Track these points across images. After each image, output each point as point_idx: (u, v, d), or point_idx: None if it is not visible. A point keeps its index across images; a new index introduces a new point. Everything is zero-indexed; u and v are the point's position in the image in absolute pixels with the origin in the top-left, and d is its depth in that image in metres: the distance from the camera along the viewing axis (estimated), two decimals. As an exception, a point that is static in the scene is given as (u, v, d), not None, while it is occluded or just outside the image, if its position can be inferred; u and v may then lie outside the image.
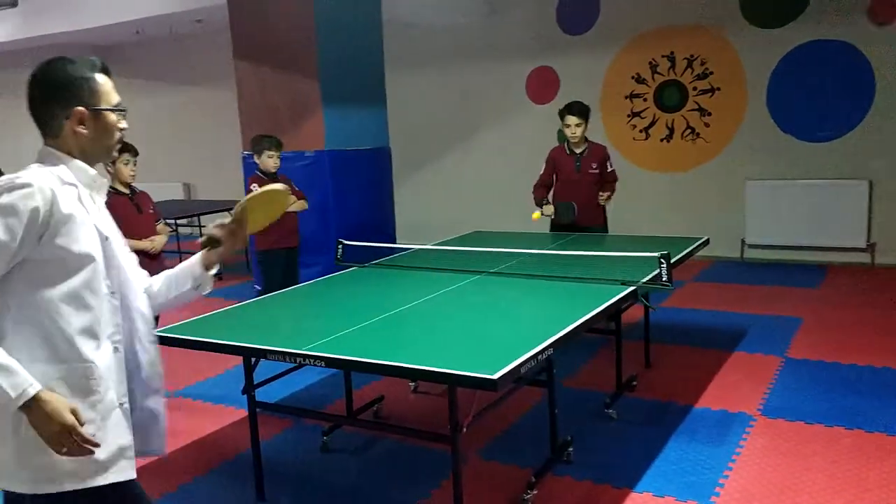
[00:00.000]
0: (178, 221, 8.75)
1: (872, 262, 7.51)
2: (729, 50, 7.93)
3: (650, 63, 8.38)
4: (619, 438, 3.81)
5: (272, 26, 6.56)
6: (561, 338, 2.84)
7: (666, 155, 8.45)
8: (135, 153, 4.57)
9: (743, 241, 8.05)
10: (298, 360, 2.83)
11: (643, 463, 3.51)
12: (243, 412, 4.02)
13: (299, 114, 6.49)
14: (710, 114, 8.14)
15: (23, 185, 1.71)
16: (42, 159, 1.85)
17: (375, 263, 4.54)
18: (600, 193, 5.46)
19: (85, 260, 1.79)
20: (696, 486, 3.27)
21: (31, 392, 1.65)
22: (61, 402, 1.69)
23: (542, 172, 5.58)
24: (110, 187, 4.55)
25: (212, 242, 2.12)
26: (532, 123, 8.88)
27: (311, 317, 3.62)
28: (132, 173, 4.56)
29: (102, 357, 1.81)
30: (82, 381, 1.76)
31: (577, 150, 5.43)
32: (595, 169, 5.43)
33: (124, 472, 1.84)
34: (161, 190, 11.06)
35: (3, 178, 1.74)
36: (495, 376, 2.39)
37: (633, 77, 8.50)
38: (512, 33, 9.11)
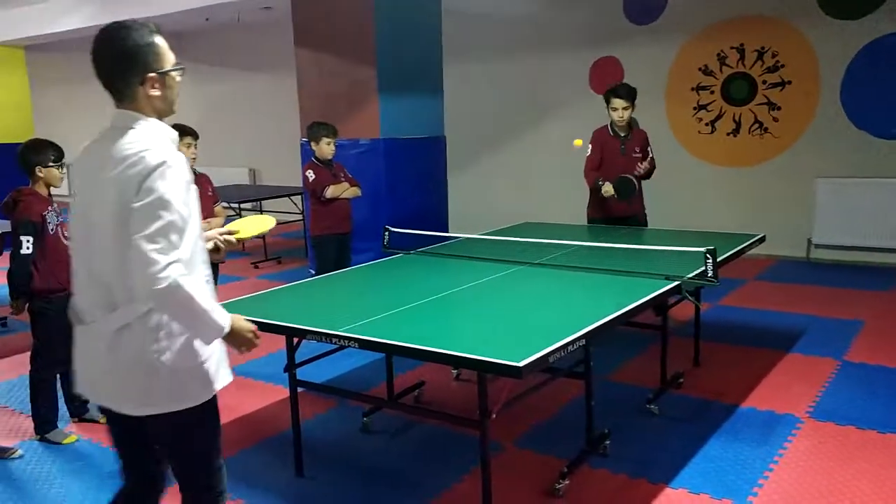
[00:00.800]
0: (242, 206, 8.98)
1: (948, 266, 7.17)
2: (802, 42, 7.65)
3: (718, 54, 8.15)
4: (659, 434, 3.76)
5: (331, 13, 6.65)
6: (594, 330, 2.81)
7: (732, 149, 8.23)
8: (196, 136, 4.72)
9: (809, 241, 7.79)
10: (334, 340, 2.90)
11: (681, 460, 3.46)
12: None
13: (355, 101, 6.57)
14: (779, 108, 7.87)
15: (174, 163, 1.97)
16: (129, 123, 2.05)
17: (421, 251, 4.58)
18: (638, 165, 5.31)
19: (196, 214, 2.09)
20: (733, 485, 3.20)
21: (230, 320, 2.06)
22: (239, 318, 2.13)
23: (589, 155, 5.41)
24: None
25: (216, 250, 2.52)
26: (594, 114, 8.64)
27: (351, 300, 3.68)
28: (193, 156, 4.71)
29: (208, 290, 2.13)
30: None
31: (622, 133, 5.35)
32: (638, 153, 5.36)
33: (228, 376, 2.23)
34: (227, 174, 11.39)
35: (143, 154, 1.94)
36: (520, 364, 2.40)
37: (700, 69, 8.30)
38: (576, 22, 8.99)
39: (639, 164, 5.34)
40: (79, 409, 4.14)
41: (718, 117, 8.26)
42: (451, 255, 4.47)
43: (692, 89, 8.37)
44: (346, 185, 5.47)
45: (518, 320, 3.07)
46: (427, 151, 6.82)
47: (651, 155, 5.45)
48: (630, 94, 5.23)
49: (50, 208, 3.76)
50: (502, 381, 2.80)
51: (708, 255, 3.53)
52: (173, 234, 1.92)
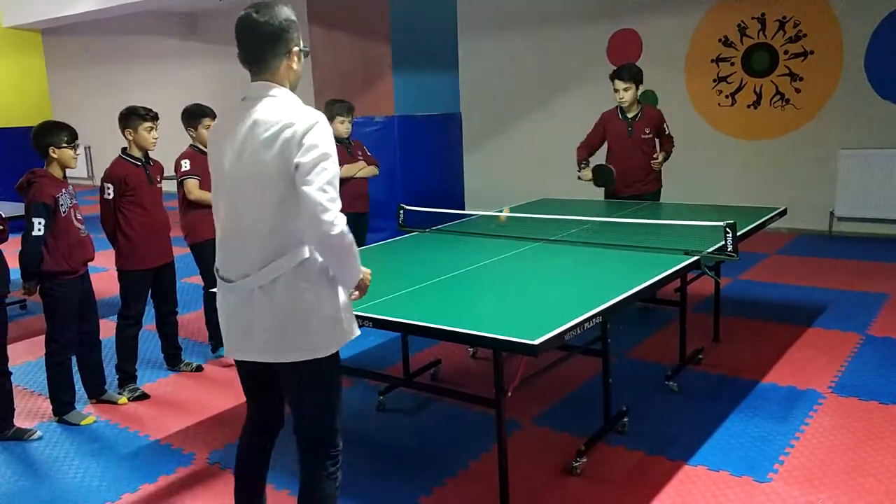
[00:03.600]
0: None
1: (975, 238, 7.03)
2: (825, 11, 7.48)
3: (739, 25, 8.00)
4: (678, 411, 3.72)
5: (345, -10, 6.58)
6: (611, 307, 2.77)
7: (753, 122, 8.09)
8: (214, 117, 4.57)
9: (832, 214, 7.66)
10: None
11: (700, 437, 3.42)
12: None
13: (370, 79, 6.52)
14: (801, 79, 7.72)
15: (325, 122, 2.12)
16: (271, 92, 2.17)
17: (437, 229, 4.54)
18: (654, 157, 5.30)
19: None
20: (753, 462, 3.16)
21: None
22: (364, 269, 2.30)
23: (588, 132, 5.49)
24: (192, 146, 4.67)
25: None
26: (612, 88, 8.62)
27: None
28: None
29: None
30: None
31: (630, 114, 5.30)
32: (648, 134, 5.30)
33: (357, 329, 2.38)
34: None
35: (297, 115, 2.09)
36: (536, 342, 2.36)
37: (720, 40, 8.15)
38: (593, -5, 8.86)
39: (653, 157, 5.30)
40: (96, 391, 4.16)
41: (739, 89, 8.12)
42: (468, 232, 4.43)
43: (712, 61, 8.23)
44: (361, 163, 5.41)
45: (534, 298, 3.03)
46: (442, 128, 6.76)
47: (669, 132, 5.37)
48: (632, 75, 5.21)
49: (64, 190, 3.75)
50: (519, 358, 2.76)
51: (727, 230, 3.47)
52: (336, 184, 2.09)
